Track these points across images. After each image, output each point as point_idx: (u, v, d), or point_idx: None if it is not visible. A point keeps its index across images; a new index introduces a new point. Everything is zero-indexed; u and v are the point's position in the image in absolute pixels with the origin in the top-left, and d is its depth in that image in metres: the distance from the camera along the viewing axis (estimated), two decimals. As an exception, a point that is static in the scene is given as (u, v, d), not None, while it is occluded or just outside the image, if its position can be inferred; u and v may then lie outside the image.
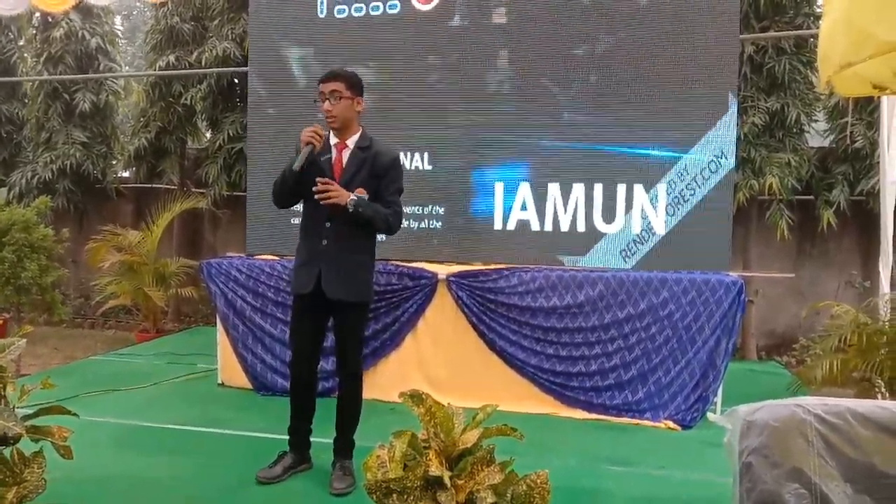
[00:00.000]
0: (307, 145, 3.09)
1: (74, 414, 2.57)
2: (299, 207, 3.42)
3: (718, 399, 4.43)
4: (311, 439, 3.47)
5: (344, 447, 3.36)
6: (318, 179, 3.11)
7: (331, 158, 3.26)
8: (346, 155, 3.27)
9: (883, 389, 4.38)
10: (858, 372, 4.50)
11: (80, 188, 8.15)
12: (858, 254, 6.84)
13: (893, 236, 5.21)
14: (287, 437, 3.44)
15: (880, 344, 4.31)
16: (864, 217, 6.51)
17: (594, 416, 4.44)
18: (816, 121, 6.55)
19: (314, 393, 3.45)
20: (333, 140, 3.29)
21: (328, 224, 3.20)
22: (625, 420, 4.39)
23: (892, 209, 5.02)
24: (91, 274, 7.65)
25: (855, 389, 4.61)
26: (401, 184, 3.36)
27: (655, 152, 4.63)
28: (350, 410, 3.37)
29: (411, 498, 1.90)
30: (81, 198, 8.24)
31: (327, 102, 3.17)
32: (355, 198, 3.13)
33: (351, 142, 3.28)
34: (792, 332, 6.92)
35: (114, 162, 8.53)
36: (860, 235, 6.77)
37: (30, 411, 2.40)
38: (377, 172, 3.25)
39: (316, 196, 3.10)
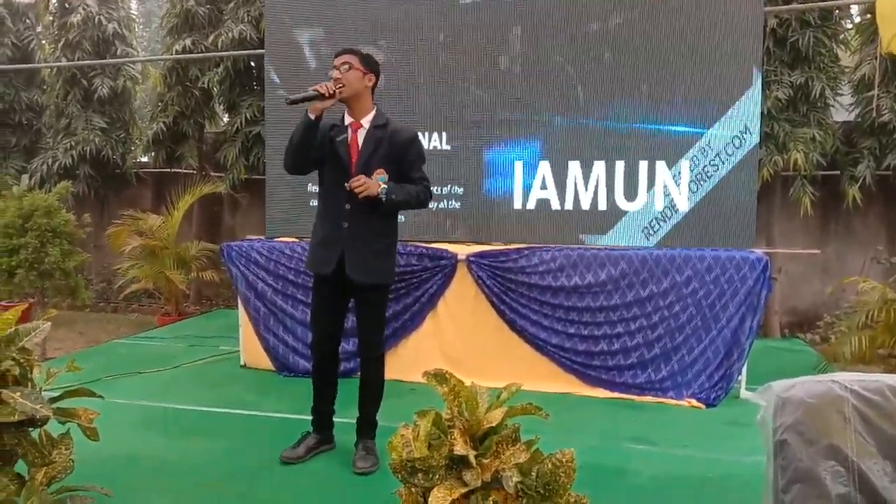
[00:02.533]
0: (315, 91, 3.01)
1: (100, 396, 2.59)
2: (317, 187, 3.39)
3: (743, 377, 4.38)
4: (334, 420, 3.48)
5: (367, 427, 3.37)
6: (347, 184, 3.06)
7: (347, 139, 3.21)
8: (361, 135, 3.22)
9: (911, 366, 4.32)
10: (885, 349, 4.44)
11: (100, 173, 8.20)
12: (884, 230, 6.72)
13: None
14: (310, 418, 3.46)
15: (908, 320, 4.25)
16: (890, 192, 6.39)
17: (616, 395, 4.42)
18: (841, 94, 6.40)
19: (336, 374, 3.46)
20: (348, 120, 3.24)
21: (348, 206, 3.17)
22: (648, 399, 4.37)
23: (921, 183, 4.91)
24: (113, 258, 7.72)
25: (882, 367, 4.55)
26: (424, 158, 3.33)
27: (678, 128, 4.56)
28: (372, 392, 3.37)
29: (437, 477, 1.89)
30: (102, 183, 8.29)
31: (336, 72, 3.12)
32: (386, 187, 3.10)
33: (366, 121, 3.22)
34: (815, 309, 6.83)
35: (133, 147, 8.57)
36: (886, 211, 6.65)
37: (56, 394, 2.42)
38: (396, 151, 3.21)
39: (354, 191, 3.05)
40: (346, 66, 3.13)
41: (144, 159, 8.83)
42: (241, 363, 5.07)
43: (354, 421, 3.39)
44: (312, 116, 3.03)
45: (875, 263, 6.57)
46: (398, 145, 3.21)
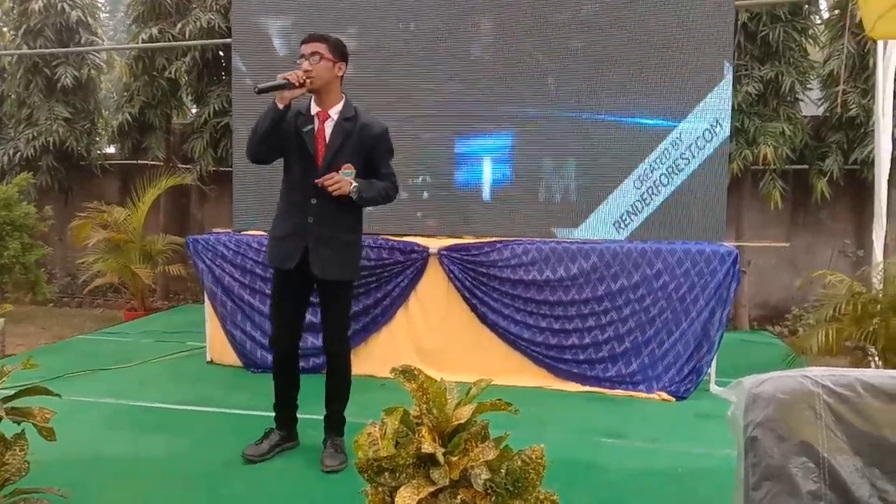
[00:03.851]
0: (285, 80, 2.92)
1: (57, 394, 2.50)
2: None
3: (712, 370, 4.41)
4: (299, 416, 3.42)
5: (334, 424, 3.30)
6: (319, 181, 2.99)
7: (314, 129, 3.10)
8: (329, 126, 3.11)
9: (876, 359, 4.37)
10: (852, 341, 4.49)
11: (63, 165, 8.02)
12: (851, 223, 6.81)
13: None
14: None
15: (874, 313, 4.29)
16: (857, 186, 6.47)
17: (588, 388, 4.42)
18: (811, 89, 6.48)
19: (297, 369, 3.36)
20: (315, 109, 3.12)
21: (314, 201, 3.08)
22: (618, 392, 4.37)
23: (886, 178, 4.97)
24: (77, 252, 7.54)
25: (849, 359, 4.61)
26: (392, 153, 3.26)
27: (649, 121, 4.56)
28: (339, 388, 3.30)
29: (404, 476, 1.85)
30: (65, 175, 8.12)
31: (307, 62, 3.01)
32: (356, 184, 3.04)
33: (334, 112, 3.12)
34: (784, 302, 6.91)
35: (97, 138, 8.38)
36: (853, 204, 6.74)
37: (11, 392, 2.33)
38: (364, 145, 3.12)
39: (327, 189, 2.99)
40: (317, 57, 3.02)
41: (110, 150, 8.65)
42: (208, 359, 4.98)
43: (321, 418, 3.33)
44: (280, 106, 2.95)
45: (842, 256, 6.67)
46: (368, 139, 3.13)
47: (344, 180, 3.02)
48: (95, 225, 6.81)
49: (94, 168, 8.22)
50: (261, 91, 2.92)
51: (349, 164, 3.07)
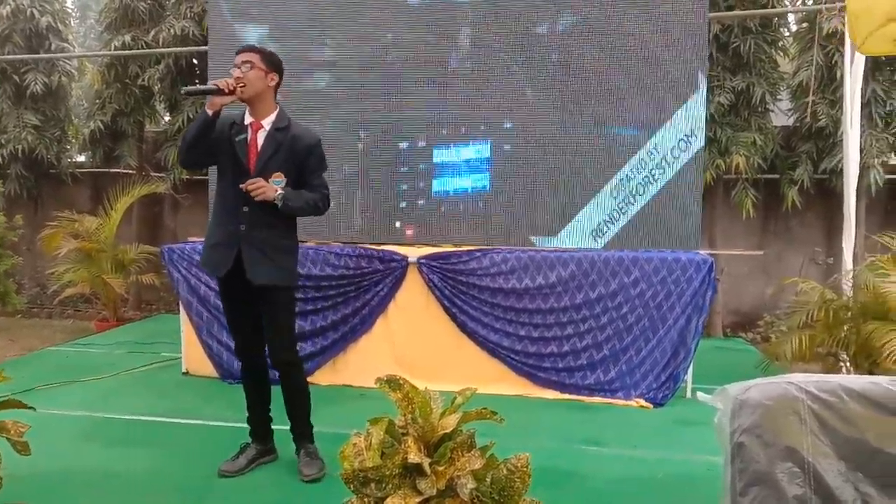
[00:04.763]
0: (214, 86, 2.96)
1: (31, 408, 2.46)
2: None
3: (689, 377, 4.45)
4: (274, 427, 3.38)
5: (302, 433, 3.27)
6: (243, 186, 2.99)
7: (246, 139, 3.11)
8: (261, 136, 3.12)
9: (848, 364, 4.45)
10: (824, 347, 4.57)
11: (33, 173, 7.87)
12: (821, 231, 6.94)
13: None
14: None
15: (846, 319, 4.38)
16: (827, 195, 6.60)
17: (567, 396, 4.44)
18: (781, 100, 6.60)
19: (267, 380, 3.32)
20: (248, 119, 3.14)
21: (245, 208, 3.06)
22: (597, 399, 4.40)
23: (855, 187, 5.08)
24: (47, 262, 7.39)
25: (821, 365, 4.68)
26: (325, 165, 3.27)
27: (625, 131, 4.61)
28: (295, 399, 3.25)
29: (390, 486, 1.84)
30: (35, 183, 7.96)
31: (238, 70, 3.04)
32: (282, 192, 3.04)
33: (267, 122, 3.13)
34: (756, 309, 7.02)
35: (68, 146, 8.24)
36: (823, 213, 6.87)
37: (-17, 406, 2.28)
38: (296, 156, 3.13)
39: (250, 193, 2.98)
40: (248, 65, 3.04)
41: (80, 158, 8.50)
42: (184, 370, 4.91)
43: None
44: (210, 112, 2.96)
45: (813, 264, 6.79)
46: (299, 150, 3.13)
47: (268, 186, 3.01)
48: (67, 234, 6.68)
49: (65, 176, 8.07)
50: (188, 93, 3.00)
51: (279, 173, 3.08)
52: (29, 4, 7.56)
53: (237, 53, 3.11)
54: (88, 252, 6.68)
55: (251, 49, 3.13)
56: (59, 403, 4.16)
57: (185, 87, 2.98)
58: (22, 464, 2.33)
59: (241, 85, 3.00)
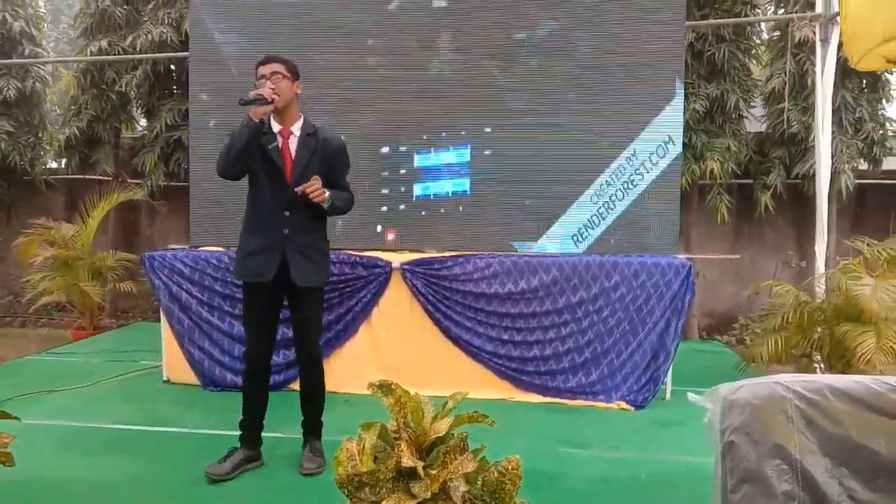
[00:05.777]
0: (261, 98, 3.05)
1: (16, 417, 2.43)
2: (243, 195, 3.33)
3: (668, 379, 4.52)
4: (263, 435, 3.40)
5: (313, 428, 3.39)
6: (299, 189, 3.09)
7: (279, 146, 3.23)
8: (293, 142, 3.26)
9: (822, 365, 4.56)
10: (798, 349, 4.67)
11: (6, 180, 7.78)
12: (794, 235, 7.09)
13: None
14: (238, 433, 3.35)
15: (819, 321, 4.48)
16: (799, 199, 6.75)
17: (549, 399, 4.48)
18: (754, 106, 6.74)
19: (268, 385, 3.41)
20: (276, 127, 3.25)
21: (287, 213, 3.20)
22: (579, 402, 4.44)
23: (827, 191, 5.20)
24: (21, 270, 7.28)
25: (795, 366, 4.78)
26: (349, 166, 3.46)
27: (604, 137, 4.68)
28: (315, 392, 3.40)
29: (384, 490, 1.86)
30: (8, 190, 7.87)
31: (269, 82, 3.13)
32: (328, 193, 3.17)
33: (296, 128, 3.27)
34: (731, 312, 7.14)
35: (42, 153, 8.13)
36: (796, 217, 7.02)
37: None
38: (327, 159, 3.29)
39: (309, 195, 3.09)
40: (279, 77, 3.16)
41: (55, 165, 8.39)
42: (164, 378, 4.86)
43: (285, 437, 3.39)
44: (256, 120, 3.06)
45: (786, 267, 6.93)
46: (329, 153, 3.30)
47: (322, 188, 3.15)
48: (42, 242, 6.60)
49: (39, 183, 7.96)
50: (245, 103, 3.06)
51: (317, 177, 3.17)
52: (1, 9, 7.47)
53: (261, 64, 3.20)
54: (65, 260, 6.60)
55: (276, 60, 3.22)
56: (37, 413, 4.10)
57: (241, 99, 3.05)
58: (3, 474, 2.30)
59: (276, 96, 3.11)
